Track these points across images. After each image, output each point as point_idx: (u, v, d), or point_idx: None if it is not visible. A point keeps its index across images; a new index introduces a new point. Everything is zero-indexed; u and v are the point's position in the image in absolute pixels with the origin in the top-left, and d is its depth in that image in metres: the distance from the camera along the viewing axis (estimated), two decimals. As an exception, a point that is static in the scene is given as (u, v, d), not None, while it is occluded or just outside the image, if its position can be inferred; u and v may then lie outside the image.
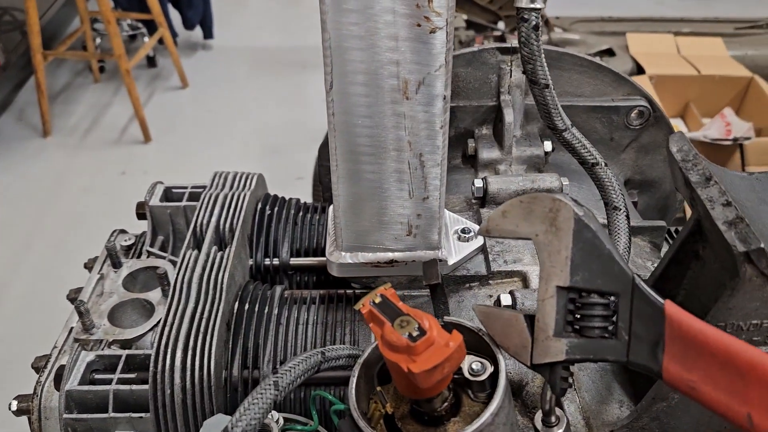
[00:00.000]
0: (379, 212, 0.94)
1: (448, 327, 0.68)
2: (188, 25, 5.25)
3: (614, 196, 0.90)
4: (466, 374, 0.70)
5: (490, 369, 0.70)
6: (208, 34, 5.38)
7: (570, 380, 0.69)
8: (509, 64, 1.19)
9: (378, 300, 0.67)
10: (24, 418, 1.00)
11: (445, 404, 0.69)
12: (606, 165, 0.89)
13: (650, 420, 0.75)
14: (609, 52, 3.70)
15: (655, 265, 1.04)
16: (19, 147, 4.31)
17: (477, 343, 0.72)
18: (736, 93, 3.39)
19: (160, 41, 4.75)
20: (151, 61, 5.18)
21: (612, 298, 0.64)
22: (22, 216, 3.75)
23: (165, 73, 5.15)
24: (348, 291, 1.08)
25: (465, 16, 3.99)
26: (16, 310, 3.13)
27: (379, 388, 0.71)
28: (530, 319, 0.69)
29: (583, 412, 0.82)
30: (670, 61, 3.58)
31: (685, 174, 0.71)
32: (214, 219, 1.13)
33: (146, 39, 5.11)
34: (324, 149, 1.24)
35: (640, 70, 3.49)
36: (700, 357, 0.59)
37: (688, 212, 2.16)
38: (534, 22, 0.80)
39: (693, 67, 3.48)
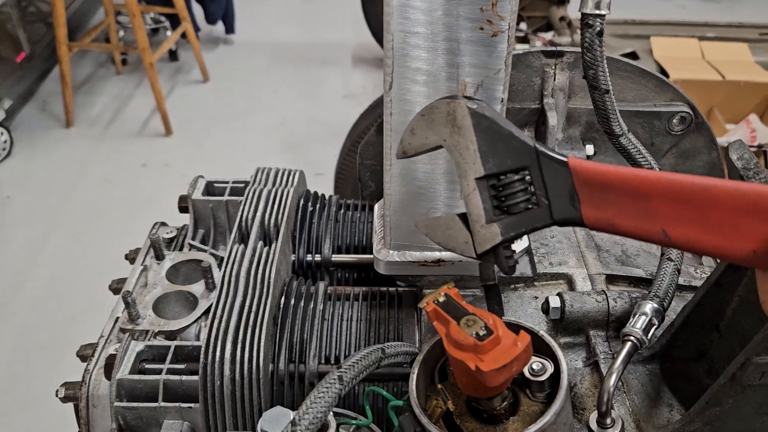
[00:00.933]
0: (429, 212, 0.95)
1: (509, 327, 0.69)
2: (210, 20, 5.29)
3: (666, 201, 0.90)
4: (527, 374, 0.71)
5: (550, 369, 0.71)
6: (229, 29, 5.41)
7: (515, 257, 0.74)
8: (553, 67, 1.20)
9: (442, 299, 0.68)
10: (39, 407, 1.01)
11: (505, 403, 0.70)
12: (660, 171, 0.90)
13: (703, 424, 0.76)
14: (633, 56, 3.68)
15: (698, 270, 1.05)
16: (42, 137, 4.35)
17: (536, 344, 0.73)
18: (761, 99, 3.37)
19: (183, 35, 4.78)
20: (173, 55, 5.22)
21: (525, 171, 0.69)
22: (44, 205, 3.79)
23: (186, 67, 5.18)
24: (390, 289, 1.09)
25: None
26: (34, 298, 3.16)
27: (440, 386, 0.72)
28: (464, 217, 0.74)
29: (634, 415, 0.82)
30: (695, 65, 3.56)
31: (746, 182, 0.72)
32: (258, 214, 1.14)
33: (168, 33, 5.15)
34: (366, 148, 1.25)
35: (663, 74, 3.48)
36: (609, 195, 0.65)
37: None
38: (598, 28, 0.81)
39: (717, 72, 3.46)
